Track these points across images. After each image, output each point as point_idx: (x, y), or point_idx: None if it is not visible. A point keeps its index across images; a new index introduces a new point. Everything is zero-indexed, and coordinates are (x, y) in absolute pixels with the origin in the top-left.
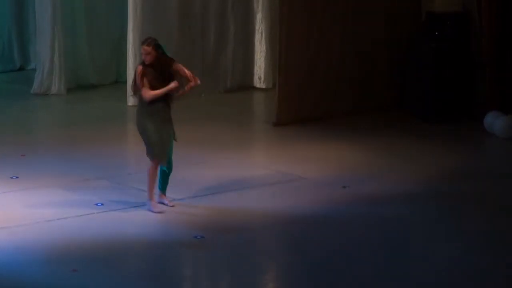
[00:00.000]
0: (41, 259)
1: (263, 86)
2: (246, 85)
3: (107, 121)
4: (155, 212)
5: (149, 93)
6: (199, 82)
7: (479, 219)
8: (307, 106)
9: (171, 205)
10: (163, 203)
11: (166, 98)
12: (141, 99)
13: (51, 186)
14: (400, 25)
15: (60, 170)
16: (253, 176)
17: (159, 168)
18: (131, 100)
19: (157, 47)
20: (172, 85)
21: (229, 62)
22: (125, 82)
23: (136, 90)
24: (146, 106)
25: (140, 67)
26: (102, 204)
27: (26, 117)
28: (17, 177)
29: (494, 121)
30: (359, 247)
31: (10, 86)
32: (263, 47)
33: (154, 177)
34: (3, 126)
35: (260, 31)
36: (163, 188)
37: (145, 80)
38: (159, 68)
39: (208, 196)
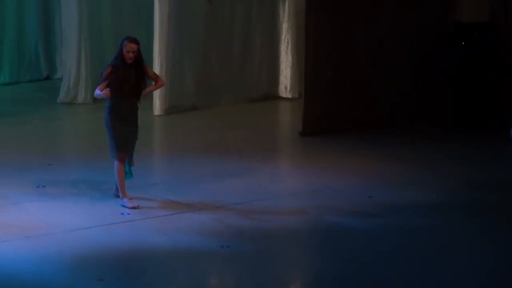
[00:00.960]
0: (67, 268)
1: (289, 95)
2: (272, 95)
3: None
4: (129, 208)
5: (96, 92)
6: (163, 83)
7: (504, 229)
8: (333, 116)
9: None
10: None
11: (132, 97)
12: (110, 96)
13: (77, 195)
14: (426, 34)
15: (87, 179)
16: (279, 185)
17: (125, 165)
18: (157, 110)
19: (139, 48)
20: (106, 93)
21: (255, 72)
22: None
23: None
24: (111, 103)
25: (109, 69)
26: (128, 214)
27: (52, 126)
28: (43, 186)
29: None
30: (385, 257)
31: (36, 95)
32: (289, 57)
33: (120, 174)
34: (30, 135)
35: (286, 40)
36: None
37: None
38: (133, 69)
39: (234, 206)
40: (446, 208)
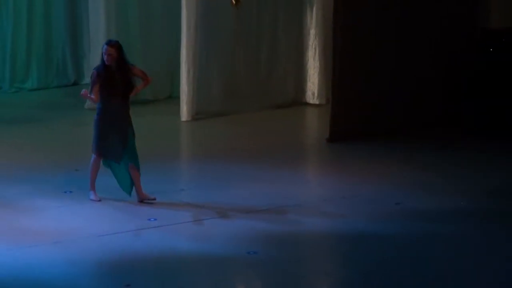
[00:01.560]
0: (94, 274)
1: (316, 102)
2: (299, 101)
3: (161, 136)
4: (92, 200)
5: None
6: (150, 81)
7: None
8: (360, 122)
9: (153, 198)
10: (148, 201)
11: (119, 99)
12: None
13: (104, 201)
14: (454, 41)
15: (113, 184)
16: (306, 192)
17: (100, 162)
18: (184, 115)
19: (119, 49)
20: (82, 92)
21: (282, 78)
22: (178, 97)
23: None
24: (100, 105)
25: (95, 73)
26: (155, 219)
27: (79, 132)
28: (70, 192)
29: None
30: (413, 264)
31: (64, 101)
32: (317, 63)
33: (94, 168)
34: (57, 140)
35: (313, 46)
36: (137, 185)
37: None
38: (116, 70)
39: (261, 212)
40: (474, 215)
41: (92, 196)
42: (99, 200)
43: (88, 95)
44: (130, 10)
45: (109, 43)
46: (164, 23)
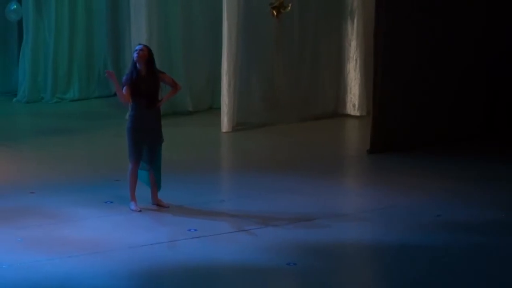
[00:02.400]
0: (135, 284)
1: (357, 113)
2: (340, 113)
3: (201, 147)
4: (132, 210)
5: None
6: (179, 88)
7: None
8: (401, 134)
9: (167, 205)
10: (160, 205)
11: (149, 105)
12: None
13: (144, 211)
14: (496, 51)
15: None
16: (347, 203)
17: (137, 171)
18: (225, 126)
19: (150, 52)
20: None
21: (322, 89)
22: (219, 109)
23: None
24: (131, 112)
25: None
26: (195, 230)
27: (120, 142)
28: (111, 202)
29: None
30: (454, 276)
31: (105, 111)
32: (357, 74)
33: (133, 178)
34: (98, 151)
35: (354, 58)
36: (153, 189)
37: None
38: (146, 76)
39: (301, 223)
40: None
41: (133, 207)
42: (140, 211)
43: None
44: (171, 22)
45: (141, 44)
46: (206, 34)
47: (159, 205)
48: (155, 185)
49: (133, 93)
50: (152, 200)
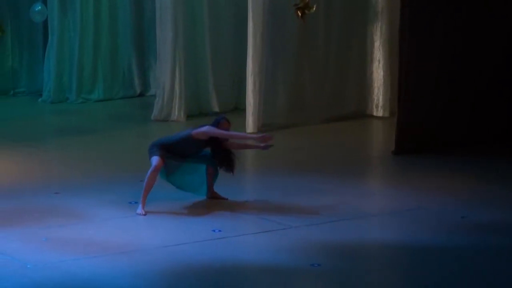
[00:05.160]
0: (160, 284)
1: (380, 114)
2: (363, 113)
3: None
4: (138, 213)
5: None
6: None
7: None
8: (427, 135)
9: (225, 198)
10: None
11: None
12: None
13: (169, 212)
14: None
15: (177, 196)
16: (371, 204)
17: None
18: (250, 127)
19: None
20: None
21: (347, 90)
22: (244, 109)
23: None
24: None
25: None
26: (219, 230)
27: (145, 143)
28: (135, 202)
29: None
30: (477, 278)
31: (130, 112)
32: (380, 76)
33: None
34: (122, 151)
35: (377, 59)
36: (209, 182)
37: None
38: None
39: (326, 224)
40: None
41: (139, 210)
42: (144, 214)
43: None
44: (197, 22)
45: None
46: (231, 35)
47: (215, 198)
48: (211, 178)
49: None
50: (207, 193)
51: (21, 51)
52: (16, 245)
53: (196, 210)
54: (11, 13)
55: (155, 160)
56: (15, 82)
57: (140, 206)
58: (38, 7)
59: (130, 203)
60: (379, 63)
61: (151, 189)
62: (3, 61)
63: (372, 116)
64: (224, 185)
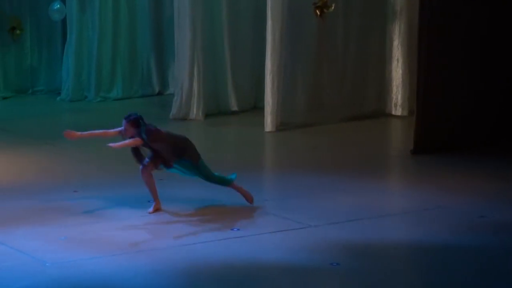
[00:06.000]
0: (178, 283)
1: (399, 113)
2: (382, 112)
3: (245, 146)
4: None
5: None
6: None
7: None
8: (445, 134)
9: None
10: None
11: None
12: None
13: (188, 211)
14: None
15: (197, 194)
16: (390, 204)
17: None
18: (268, 126)
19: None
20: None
21: (365, 89)
22: (263, 108)
23: None
24: None
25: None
26: (238, 229)
27: None
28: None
29: None
30: (497, 277)
31: (148, 111)
32: (399, 74)
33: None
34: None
35: (396, 58)
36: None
37: None
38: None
39: (346, 223)
40: None
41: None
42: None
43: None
44: (216, 21)
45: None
46: (250, 34)
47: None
48: (238, 190)
49: None
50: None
51: (40, 50)
52: (35, 243)
53: (215, 208)
54: (30, 12)
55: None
56: (34, 81)
57: (152, 205)
58: (57, 5)
59: (149, 201)
60: (397, 62)
61: (155, 187)
62: (22, 59)
63: (391, 115)
64: (243, 183)
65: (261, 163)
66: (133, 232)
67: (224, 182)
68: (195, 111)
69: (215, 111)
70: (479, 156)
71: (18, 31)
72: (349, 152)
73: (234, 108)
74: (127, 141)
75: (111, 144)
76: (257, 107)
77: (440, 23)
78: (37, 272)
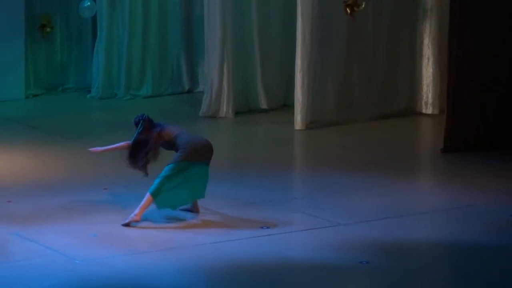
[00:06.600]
0: (205, 281)
1: (429, 112)
2: (412, 111)
3: (274, 144)
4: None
5: None
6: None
7: None
8: (476, 133)
9: None
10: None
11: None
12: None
13: (217, 208)
14: None
15: (226, 192)
16: (420, 202)
17: None
18: (298, 124)
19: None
20: None
21: (395, 87)
22: (293, 106)
23: None
24: None
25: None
26: (267, 227)
27: None
28: None
29: None
30: None
31: (178, 108)
32: (429, 73)
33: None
34: None
35: (426, 56)
36: None
37: None
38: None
39: (375, 222)
40: None
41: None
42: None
43: None
44: (246, 18)
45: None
46: (280, 31)
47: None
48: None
49: None
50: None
51: (70, 47)
52: (65, 240)
53: (244, 207)
54: (60, 9)
55: None
56: (64, 78)
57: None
58: (87, 3)
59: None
60: (428, 60)
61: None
62: (52, 57)
63: (421, 114)
64: (272, 181)
65: (291, 161)
66: (162, 230)
67: (156, 193)
68: (225, 109)
69: (245, 109)
70: (510, 154)
71: (48, 29)
72: (379, 150)
73: (264, 106)
74: (111, 146)
75: (92, 149)
76: (287, 105)
77: (471, 21)
78: (66, 270)
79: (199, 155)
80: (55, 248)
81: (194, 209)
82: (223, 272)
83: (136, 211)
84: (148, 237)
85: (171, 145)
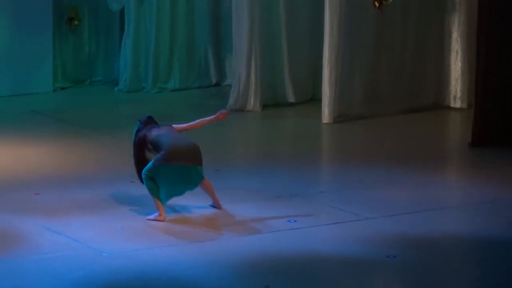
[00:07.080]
0: (233, 274)
1: (458, 105)
2: (440, 105)
3: (302, 138)
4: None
5: None
6: None
7: None
8: (504, 127)
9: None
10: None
11: None
12: None
13: (244, 202)
14: None
15: (253, 185)
16: (447, 196)
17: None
18: (326, 118)
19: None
20: None
21: (424, 81)
22: (320, 100)
23: None
24: None
25: None
26: (294, 221)
27: (221, 133)
28: None
29: None
30: None
31: (206, 102)
32: (458, 67)
33: None
34: (198, 140)
35: (455, 50)
36: None
37: None
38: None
39: (403, 216)
40: None
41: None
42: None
43: None
44: (274, 12)
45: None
46: (308, 25)
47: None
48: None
49: None
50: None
51: (98, 40)
52: (92, 233)
53: (271, 200)
54: (87, 2)
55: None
56: (92, 71)
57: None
58: None
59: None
60: (457, 54)
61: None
62: (80, 50)
63: (449, 108)
64: (300, 174)
65: (318, 154)
66: (189, 223)
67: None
68: (252, 102)
69: (272, 102)
70: None
71: (76, 22)
72: (407, 144)
73: (291, 99)
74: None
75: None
76: (314, 99)
77: (499, 15)
78: (93, 262)
79: (178, 157)
80: (82, 240)
81: (216, 206)
82: (250, 265)
83: (158, 212)
84: (174, 230)
85: (156, 148)
